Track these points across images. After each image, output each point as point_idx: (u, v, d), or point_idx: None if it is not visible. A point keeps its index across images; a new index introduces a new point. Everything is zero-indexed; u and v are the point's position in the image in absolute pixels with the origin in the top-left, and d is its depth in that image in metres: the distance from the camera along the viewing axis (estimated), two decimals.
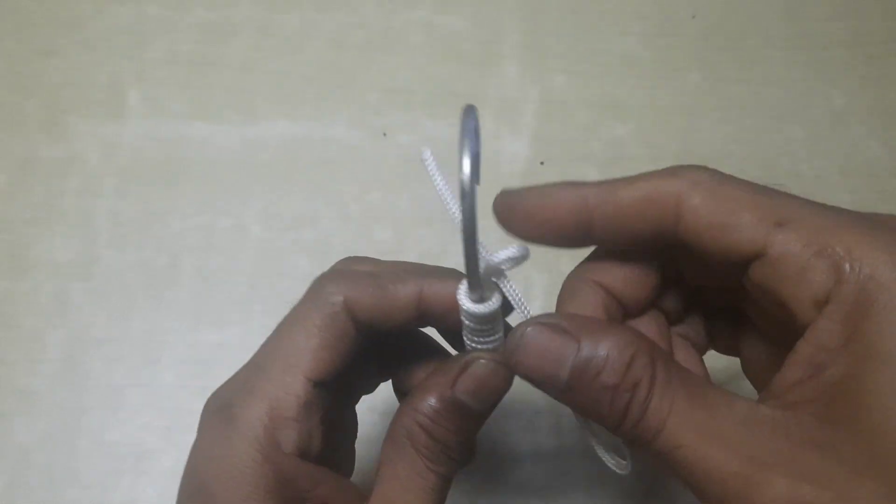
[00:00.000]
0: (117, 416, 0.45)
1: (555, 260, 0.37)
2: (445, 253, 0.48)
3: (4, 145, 0.50)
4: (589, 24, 0.55)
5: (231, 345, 0.46)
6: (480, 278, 0.27)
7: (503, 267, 0.28)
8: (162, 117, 0.52)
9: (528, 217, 0.27)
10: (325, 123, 0.52)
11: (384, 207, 0.50)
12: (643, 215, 0.27)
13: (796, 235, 0.24)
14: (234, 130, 0.51)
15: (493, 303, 0.28)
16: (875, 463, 0.22)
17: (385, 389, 0.35)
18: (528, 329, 0.26)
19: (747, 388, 0.31)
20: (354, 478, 0.33)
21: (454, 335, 0.31)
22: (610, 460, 0.31)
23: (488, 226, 0.27)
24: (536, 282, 0.48)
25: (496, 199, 0.28)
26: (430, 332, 0.34)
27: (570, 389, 0.25)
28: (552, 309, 0.30)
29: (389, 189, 0.50)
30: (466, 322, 0.28)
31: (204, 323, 0.47)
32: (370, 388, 0.35)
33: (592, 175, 0.50)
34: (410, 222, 0.49)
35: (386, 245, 0.49)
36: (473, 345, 0.29)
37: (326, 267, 0.48)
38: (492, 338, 0.29)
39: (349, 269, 0.31)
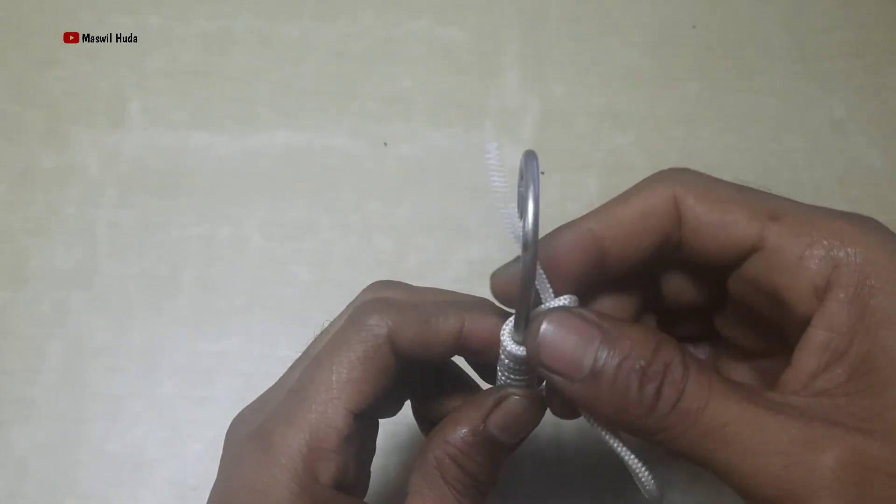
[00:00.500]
0: (117, 425, 0.45)
1: None
2: (446, 262, 0.48)
3: (5, 155, 0.50)
4: (589, 34, 0.55)
5: (231, 354, 0.46)
6: (528, 324, 0.27)
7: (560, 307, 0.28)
8: (162, 127, 0.52)
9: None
10: (325, 133, 0.52)
11: (384, 217, 0.50)
12: (648, 228, 0.27)
13: (790, 228, 0.25)
14: (234, 140, 0.51)
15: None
16: None
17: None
18: (549, 318, 0.26)
19: None
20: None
21: (485, 367, 0.31)
22: (646, 483, 0.29)
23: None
24: None
25: (493, 282, 0.28)
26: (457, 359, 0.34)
27: (594, 378, 0.24)
28: None
29: (390, 198, 0.50)
30: (505, 360, 0.29)
31: (204, 332, 0.47)
32: (393, 413, 0.34)
33: (593, 184, 0.50)
34: (411, 231, 0.49)
35: (386, 254, 0.49)
36: (507, 380, 0.29)
37: (327, 276, 0.49)
38: (526, 375, 0.29)
39: (389, 298, 0.30)
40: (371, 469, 0.32)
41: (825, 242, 0.24)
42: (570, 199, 0.50)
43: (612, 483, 0.44)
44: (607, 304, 0.30)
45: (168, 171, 0.50)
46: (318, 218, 0.50)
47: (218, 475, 0.29)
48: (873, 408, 0.23)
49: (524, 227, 0.25)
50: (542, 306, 0.28)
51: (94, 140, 0.51)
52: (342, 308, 0.47)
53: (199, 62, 0.53)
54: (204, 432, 0.45)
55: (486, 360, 0.30)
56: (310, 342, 0.32)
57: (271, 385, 0.32)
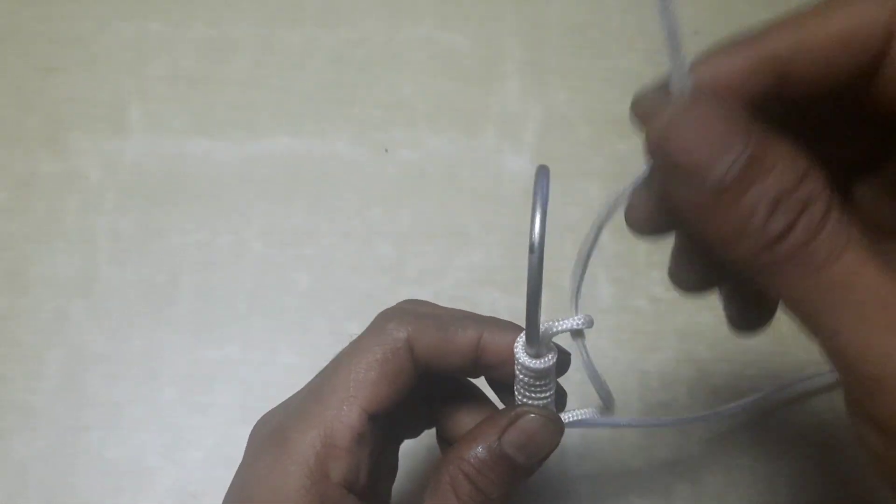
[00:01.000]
0: (117, 433, 0.44)
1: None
2: (447, 268, 0.48)
3: (5, 161, 0.50)
4: (591, 41, 0.55)
5: (231, 361, 0.46)
6: (539, 334, 0.27)
7: (562, 331, 0.28)
8: (163, 133, 0.52)
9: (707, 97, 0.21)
10: (326, 139, 0.52)
11: (386, 223, 0.50)
12: (841, 56, 0.22)
13: None
14: (235, 146, 0.51)
15: (549, 360, 0.28)
16: None
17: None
18: (690, 100, 0.21)
19: None
20: None
21: (505, 388, 0.31)
22: (602, 392, 0.30)
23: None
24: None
25: (636, 107, 0.24)
26: (480, 383, 0.34)
27: (718, 192, 0.20)
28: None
29: (391, 205, 0.50)
30: (520, 375, 0.29)
31: (204, 339, 0.47)
32: (415, 433, 0.34)
33: (595, 190, 0.50)
34: (412, 238, 0.49)
35: (387, 261, 0.49)
36: (524, 399, 0.29)
37: (327, 283, 0.49)
38: (543, 394, 0.29)
39: (412, 309, 0.31)
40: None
41: None
42: (571, 204, 0.49)
43: (614, 490, 0.44)
44: None
45: (168, 178, 0.50)
46: (319, 224, 0.49)
47: (236, 473, 0.29)
48: None
49: (531, 230, 0.25)
50: (554, 324, 0.28)
51: (94, 147, 0.51)
52: (343, 315, 0.48)
53: (200, 69, 0.53)
54: (204, 439, 0.44)
55: (503, 376, 0.30)
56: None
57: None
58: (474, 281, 0.48)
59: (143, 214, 0.49)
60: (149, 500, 0.43)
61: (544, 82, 0.54)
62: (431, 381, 0.31)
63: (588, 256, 0.27)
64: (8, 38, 0.54)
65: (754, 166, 0.20)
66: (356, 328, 0.47)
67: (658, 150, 0.22)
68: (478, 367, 0.30)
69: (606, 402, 0.31)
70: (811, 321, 0.21)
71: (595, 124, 0.52)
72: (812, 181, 0.20)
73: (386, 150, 0.51)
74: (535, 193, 0.25)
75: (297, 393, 0.31)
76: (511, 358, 0.29)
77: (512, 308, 0.47)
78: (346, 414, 0.28)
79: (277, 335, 0.47)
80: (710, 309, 0.46)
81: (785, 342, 0.45)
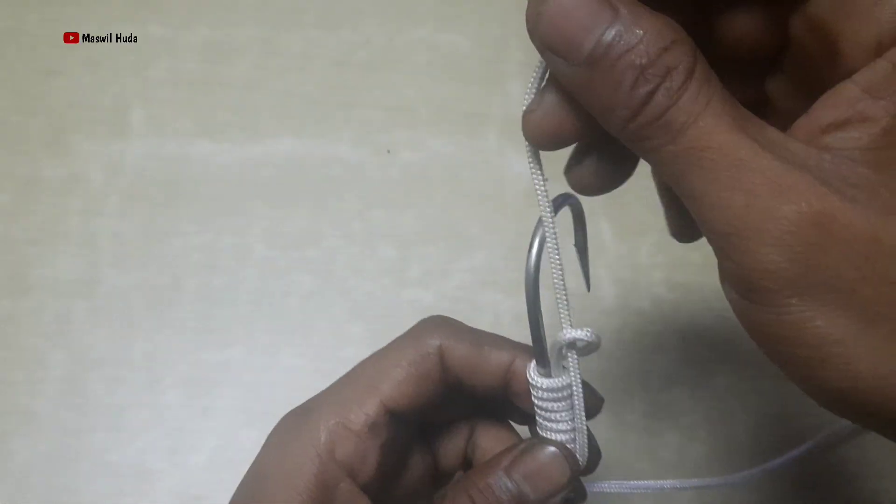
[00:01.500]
0: (119, 436, 0.44)
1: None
2: (450, 270, 0.48)
3: (8, 165, 0.50)
4: None
5: (234, 364, 0.46)
6: (546, 352, 0.28)
7: (571, 345, 0.28)
8: (165, 136, 0.52)
9: None
10: (328, 141, 0.52)
11: (388, 225, 0.50)
12: None
13: None
14: (237, 149, 0.51)
15: (559, 380, 0.28)
16: None
17: None
18: None
19: None
20: None
21: (533, 420, 0.31)
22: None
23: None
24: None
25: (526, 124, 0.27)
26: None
27: (590, 65, 0.21)
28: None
29: (393, 207, 0.50)
30: (535, 400, 0.29)
31: (206, 342, 0.47)
32: (454, 464, 0.34)
33: None
34: (414, 240, 0.49)
35: (389, 263, 0.49)
36: (544, 432, 0.29)
37: (329, 285, 0.48)
38: (560, 425, 0.29)
39: (452, 323, 0.32)
40: None
41: None
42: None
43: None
44: None
45: (170, 181, 0.50)
46: (321, 227, 0.50)
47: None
48: (871, 179, 0.20)
49: (527, 263, 0.26)
50: (562, 335, 0.27)
51: (96, 149, 0.51)
52: (345, 317, 0.48)
53: (202, 71, 0.53)
54: (207, 442, 0.44)
55: (530, 406, 0.30)
56: None
57: None
58: (476, 283, 0.48)
59: (146, 217, 0.49)
60: (151, 503, 0.43)
61: None
62: (468, 407, 0.32)
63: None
64: (10, 41, 0.54)
65: (621, 39, 0.21)
66: (358, 330, 0.47)
67: (534, 32, 0.23)
68: (508, 393, 0.31)
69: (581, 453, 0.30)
70: (677, 187, 0.22)
71: None
72: (676, 49, 0.21)
73: (388, 152, 0.51)
74: (536, 226, 0.27)
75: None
76: None
77: (514, 310, 0.47)
78: (363, 401, 0.29)
79: (280, 337, 0.47)
80: (712, 310, 0.46)
81: None
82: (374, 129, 0.52)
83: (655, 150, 0.21)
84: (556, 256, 0.26)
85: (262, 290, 0.48)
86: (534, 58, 0.24)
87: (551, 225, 0.26)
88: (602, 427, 0.43)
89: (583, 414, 0.29)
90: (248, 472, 0.30)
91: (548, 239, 0.26)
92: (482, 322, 0.47)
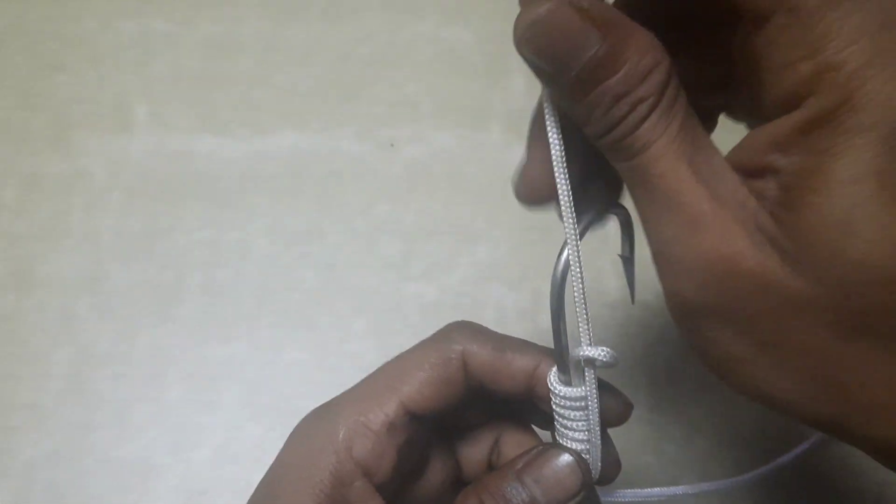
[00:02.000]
0: (124, 431, 0.44)
1: None
2: (453, 265, 0.48)
3: (12, 161, 0.50)
4: None
5: (238, 359, 0.46)
6: (567, 360, 0.28)
7: (589, 361, 0.28)
8: (169, 132, 0.52)
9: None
10: (331, 136, 0.52)
11: (391, 220, 0.50)
12: None
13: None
14: (240, 144, 0.51)
15: (578, 390, 0.28)
16: (812, 259, 0.21)
17: None
18: (550, 4, 0.23)
19: None
20: None
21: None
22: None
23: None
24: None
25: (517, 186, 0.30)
26: None
27: (574, 85, 0.23)
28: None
29: (396, 202, 0.50)
30: (554, 407, 0.29)
31: (210, 338, 0.47)
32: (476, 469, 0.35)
33: None
34: (418, 235, 0.49)
35: (393, 257, 0.48)
36: (562, 439, 0.29)
37: (332, 280, 0.48)
38: (578, 434, 0.29)
39: (477, 327, 0.32)
40: None
41: (833, 63, 0.20)
42: None
43: None
44: None
45: (174, 176, 0.50)
46: (325, 221, 0.49)
47: None
48: (773, 230, 0.21)
49: (553, 274, 0.27)
50: (579, 351, 0.28)
51: (100, 146, 0.51)
52: (349, 312, 0.48)
53: (205, 67, 0.53)
54: (211, 437, 0.44)
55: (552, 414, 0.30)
56: None
57: None
58: (481, 277, 0.48)
59: (149, 213, 0.49)
60: (156, 499, 0.43)
61: None
62: (491, 411, 0.33)
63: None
64: (14, 37, 0.54)
65: (606, 64, 0.22)
66: (362, 325, 0.47)
67: (521, 46, 0.25)
68: (533, 397, 0.31)
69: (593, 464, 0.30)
70: (630, 194, 0.24)
71: None
72: (652, 79, 0.22)
73: (392, 145, 0.51)
74: (565, 241, 0.27)
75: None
76: None
77: (518, 305, 0.47)
78: (383, 401, 0.29)
79: (283, 333, 0.47)
80: None
81: None
82: (378, 123, 0.52)
83: (616, 161, 0.24)
84: (579, 270, 0.26)
85: (265, 285, 0.48)
86: None
87: (574, 237, 0.26)
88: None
89: (598, 428, 0.29)
90: (269, 467, 0.30)
91: (572, 252, 0.27)
92: (486, 316, 0.47)
